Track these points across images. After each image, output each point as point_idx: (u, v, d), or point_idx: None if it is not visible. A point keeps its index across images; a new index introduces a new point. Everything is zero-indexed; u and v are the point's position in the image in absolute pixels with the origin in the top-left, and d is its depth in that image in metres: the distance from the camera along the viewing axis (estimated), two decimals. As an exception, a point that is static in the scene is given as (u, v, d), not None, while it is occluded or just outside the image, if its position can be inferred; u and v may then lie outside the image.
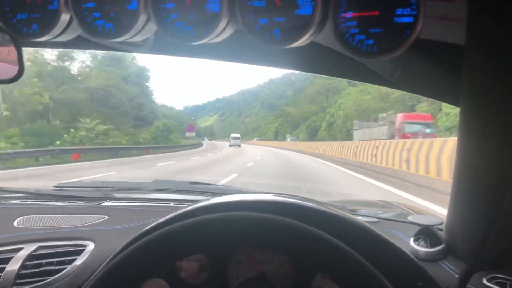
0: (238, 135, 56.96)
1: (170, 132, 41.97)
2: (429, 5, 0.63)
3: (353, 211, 1.37)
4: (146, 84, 50.37)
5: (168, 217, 0.87)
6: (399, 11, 0.60)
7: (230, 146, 46.11)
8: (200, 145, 49.00)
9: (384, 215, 1.32)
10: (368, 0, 0.61)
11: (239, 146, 47.35)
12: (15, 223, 1.21)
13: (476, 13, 0.58)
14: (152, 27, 0.73)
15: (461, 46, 0.66)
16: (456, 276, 0.84)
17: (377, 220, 1.24)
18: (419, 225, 0.97)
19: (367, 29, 0.61)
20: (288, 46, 0.66)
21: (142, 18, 0.70)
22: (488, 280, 0.79)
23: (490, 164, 0.72)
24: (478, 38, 0.61)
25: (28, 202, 1.45)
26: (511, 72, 0.60)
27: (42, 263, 1.03)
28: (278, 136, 78.33)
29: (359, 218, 0.98)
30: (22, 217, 1.24)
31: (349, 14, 0.62)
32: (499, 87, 0.63)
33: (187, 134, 43.08)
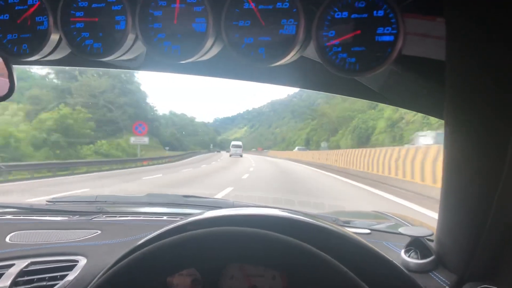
0: (239, 143, 51.71)
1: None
2: (411, 23, 0.65)
3: (346, 223, 1.37)
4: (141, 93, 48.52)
5: (159, 231, 0.87)
6: (380, 30, 0.61)
7: (230, 155, 43.09)
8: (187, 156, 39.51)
9: (377, 227, 1.33)
10: (350, 19, 0.63)
11: (241, 156, 43.04)
12: (7, 239, 1.20)
13: (454, 30, 0.60)
14: (140, 46, 0.74)
15: (443, 61, 0.68)
16: (446, 287, 0.84)
17: (369, 231, 1.24)
18: (409, 236, 0.98)
19: (349, 48, 0.63)
20: (273, 64, 0.68)
21: (130, 37, 0.72)
22: None
23: (474, 176, 0.74)
24: (458, 54, 0.62)
25: (21, 217, 1.45)
26: (490, 86, 0.62)
27: (33, 279, 1.03)
28: (310, 144, 59.59)
29: (351, 230, 0.99)
30: (14, 232, 1.24)
31: (331, 33, 0.64)
32: (480, 100, 0.65)
33: (132, 139, 26.79)
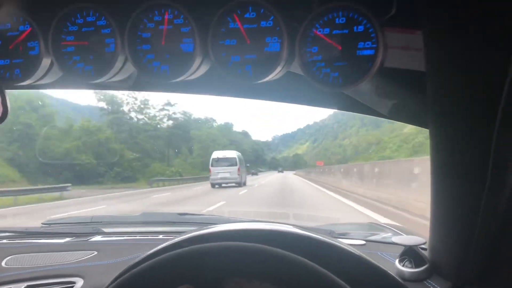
0: (232, 154, 23.70)
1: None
2: (391, 37, 0.67)
3: (341, 235, 1.37)
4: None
5: (155, 249, 0.87)
6: (360, 44, 0.64)
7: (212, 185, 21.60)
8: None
9: (371, 238, 1.33)
10: (331, 35, 0.65)
11: (240, 184, 21.34)
12: (3, 263, 1.19)
13: (431, 42, 0.62)
14: (130, 67, 0.76)
15: (424, 72, 0.70)
16: None
17: (364, 242, 1.25)
18: (403, 245, 0.98)
19: (332, 63, 0.65)
20: (260, 81, 0.69)
21: (120, 59, 0.74)
22: None
23: (461, 183, 0.75)
24: (436, 64, 0.65)
25: (16, 241, 1.44)
26: (469, 93, 0.64)
27: None
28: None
29: (346, 242, 0.99)
30: (10, 256, 1.23)
31: (314, 49, 0.66)
32: (460, 108, 0.67)
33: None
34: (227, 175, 21.17)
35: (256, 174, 51.23)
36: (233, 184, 21.08)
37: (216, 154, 22.88)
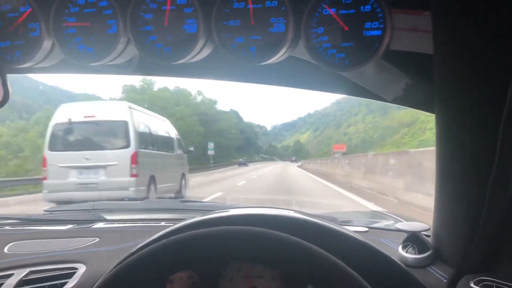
0: (118, 115, 7.85)
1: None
2: (398, 18, 0.66)
3: (343, 222, 1.37)
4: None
5: (157, 235, 0.87)
6: (367, 25, 0.62)
7: None
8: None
9: (374, 225, 1.33)
10: (338, 16, 0.64)
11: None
12: (5, 250, 1.20)
13: (440, 24, 0.61)
14: (132, 49, 0.75)
15: (431, 55, 0.69)
16: (445, 281, 0.85)
17: (366, 229, 1.25)
18: (406, 232, 0.98)
19: (338, 44, 0.64)
20: (264, 63, 0.68)
21: (122, 41, 0.73)
22: (475, 283, 0.80)
23: (467, 169, 0.74)
24: (445, 47, 0.63)
25: (19, 228, 1.44)
26: (477, 78, 0.63)
27: None
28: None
29: (349, 229, 0.99)
30: (13, 243, 1.24)
31: (320, 30, 0.65)
32: (467, 93, 0.66)
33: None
34: (97, 178, 7.57)
35: (245, 164, 38.06)
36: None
37: (67, 113, 7.94)
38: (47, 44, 0.77)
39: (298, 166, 38.36)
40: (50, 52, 0.78)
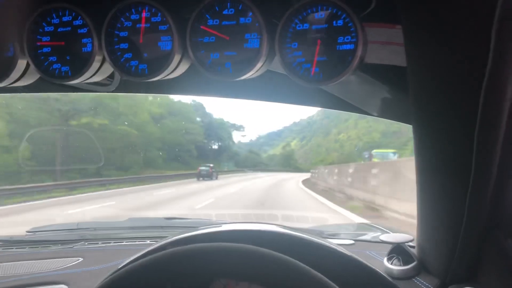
0: None
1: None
2: (371, 32, 0.67)
3: (330, 235, 1.37)
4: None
5: (139, 254, 0.86)
6: (340, 39, 0.63)
7: None
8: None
9: (360, 237, 1.33)
10: (311, 30, 0.65)
11: None
12: None
13: (411, 37, 0.62)
14: (108, 67, 0.75)
15: (404, 67, 0.69)
16: None
17: (353, 242, 1.24)
18: (391, 243, 0.98)
19: (312, 58, 0.64)
20: (240, 78, 0.68)
21: (97, 59, 0.72)
22: None
23: (445, 180, 0.74)
24: (416, 59, 0.64)
25: (0, 250, 1.41)
26: (450, 88, 0.63)
27: None
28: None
29: (335, 242, 0.98)
30: None
31: (294, 45, 0.65)
32: (442, 103, 0.66)
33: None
34: None
35: (209, 177, 22.56)
36: None
37: None
38: (21, 63, 0.76)
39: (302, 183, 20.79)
40: (25, 71, 0.77)
